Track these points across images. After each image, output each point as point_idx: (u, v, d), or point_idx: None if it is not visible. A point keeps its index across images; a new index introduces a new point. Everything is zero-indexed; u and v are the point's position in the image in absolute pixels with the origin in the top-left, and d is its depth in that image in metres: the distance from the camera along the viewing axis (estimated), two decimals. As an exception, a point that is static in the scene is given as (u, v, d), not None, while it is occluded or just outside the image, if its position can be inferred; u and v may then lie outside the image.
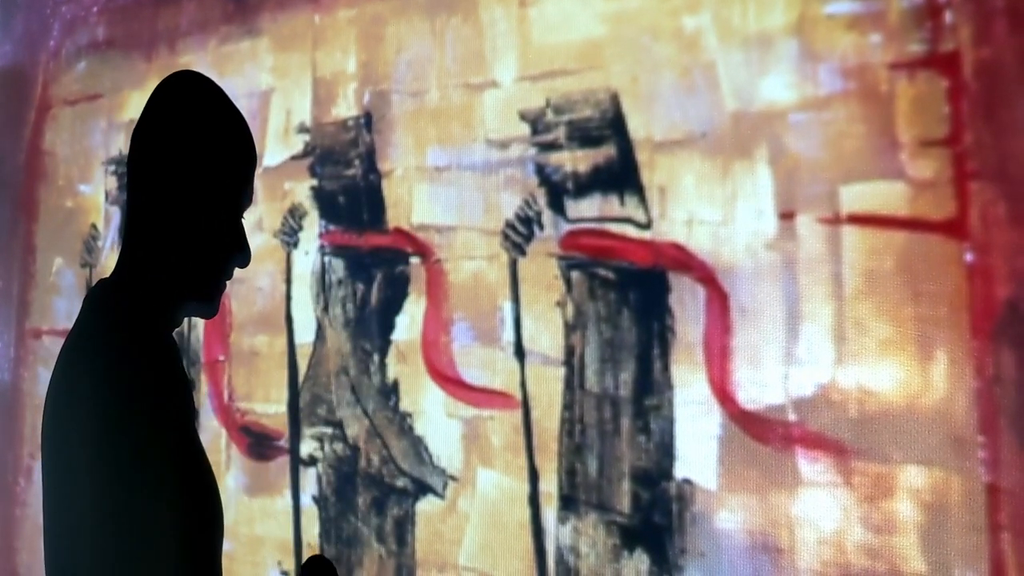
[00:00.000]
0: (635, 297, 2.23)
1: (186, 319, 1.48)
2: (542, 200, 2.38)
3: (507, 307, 2.43)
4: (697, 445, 2.11)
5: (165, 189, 1.35)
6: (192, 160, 1.35)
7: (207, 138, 1.36)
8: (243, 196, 1.41)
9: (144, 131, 1.38)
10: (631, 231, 2.24)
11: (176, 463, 1.24)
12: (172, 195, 1.35)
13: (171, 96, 1.39)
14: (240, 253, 1.41)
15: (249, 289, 2.96)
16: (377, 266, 2.68)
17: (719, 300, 2.10)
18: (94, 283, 1.58)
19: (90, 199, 3.50)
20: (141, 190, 1.37)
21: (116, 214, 3.40)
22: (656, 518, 2.15)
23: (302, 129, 2.91)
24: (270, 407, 2.91)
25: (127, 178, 1.40)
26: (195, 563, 1.26)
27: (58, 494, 1.32)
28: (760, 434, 2.02)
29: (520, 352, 2.40)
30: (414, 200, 2.64)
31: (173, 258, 1.36)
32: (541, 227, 2.38)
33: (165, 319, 1.37)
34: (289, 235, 2.89)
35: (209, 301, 1.42)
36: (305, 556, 2.76)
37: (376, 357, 2.66)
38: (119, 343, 1.29)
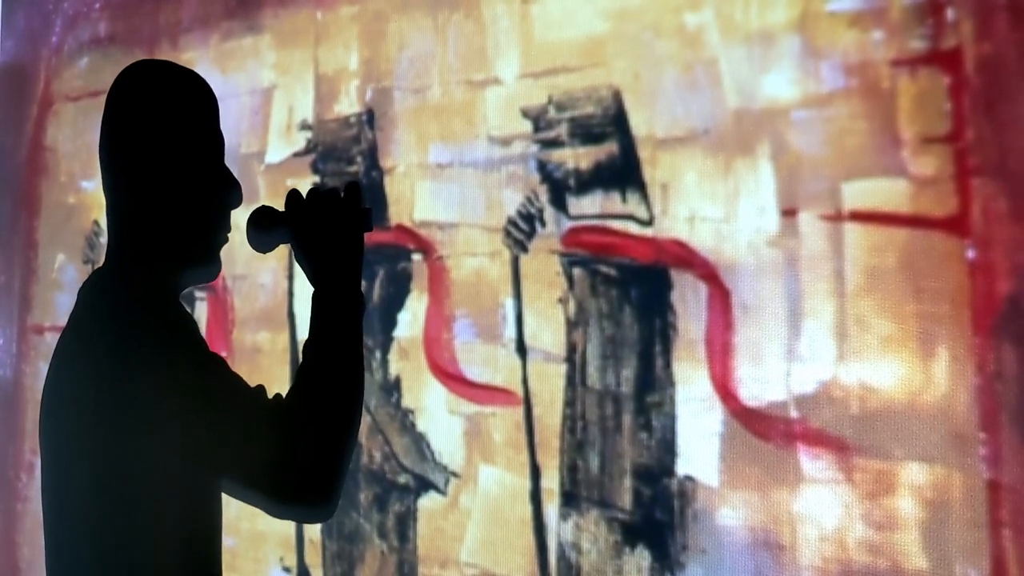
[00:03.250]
0: (637, 294, 2.23)
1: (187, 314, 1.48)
2: (544, 197, 2.38)
3: (509, 304, 2.44)
4: (699, 442, 2.11)
5: (142, 166, 1.36)
6: (159, 127, 1.37)
7: (165, 102, 1.38)
8: (217, 141, 1.42)
9: (107, 123, 1.40)
10: (633, 228, 2.24)
11: (201, 405, 1.27)
12: (151, 168, 1.36)
13: (121, 85, 1.41)
14: (230, 193, 1.42)
15: (252, 285, 2.96)
16: (379, 263, 2.68)
17: (721, 297, 2.10)
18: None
19: (92, 195, 3.49)
20: (118, 177, 1.39)
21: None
22: (658, 515, 2.16)
23: (304, 126, 2.91)
24: (272, 403, 2.90)
25: (102, 174, 1.42)
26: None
27: (60, 487, 1.33)
28: (762, 431, 2.03)
29: (522, 349, 2.41)
30: (416, 197, 2.64)
31: (167, 227, 1.37)
32: (543, 224, 2.38)
33: (166, 295, 1.38)
34: (291, 231, 2.89)
35: (210, 262, 1.43)
36: (307, 551, 2.77)
37: (378, 353, 2.66)
38: (120, 319, 1.31)
